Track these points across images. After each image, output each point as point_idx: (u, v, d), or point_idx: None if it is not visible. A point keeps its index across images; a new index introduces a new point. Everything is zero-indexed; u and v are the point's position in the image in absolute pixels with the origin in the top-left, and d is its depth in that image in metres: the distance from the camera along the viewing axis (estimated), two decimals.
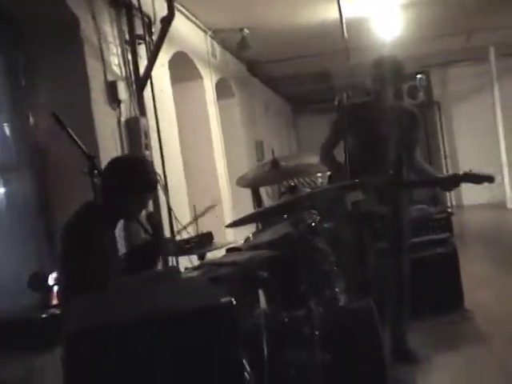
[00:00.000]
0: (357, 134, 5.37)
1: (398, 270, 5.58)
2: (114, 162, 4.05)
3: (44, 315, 4.21)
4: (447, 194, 17.73)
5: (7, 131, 4.94)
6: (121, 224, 5.23)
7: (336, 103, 5.31)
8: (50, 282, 4.43)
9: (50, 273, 4.46)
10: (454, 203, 17.79)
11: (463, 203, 18.00)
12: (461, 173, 5.34)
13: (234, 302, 2.70)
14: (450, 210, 7.51)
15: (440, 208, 8.00)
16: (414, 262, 6.43)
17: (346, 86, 5.89)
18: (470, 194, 17.93)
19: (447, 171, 17.72)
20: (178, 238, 5.59)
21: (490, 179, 5.36)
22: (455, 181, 5.50)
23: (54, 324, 4.10)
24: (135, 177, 3.94)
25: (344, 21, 7.19)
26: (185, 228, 4.68)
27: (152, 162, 6.31)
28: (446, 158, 18.02)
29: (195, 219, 4.70)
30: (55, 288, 4.38)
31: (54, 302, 4.37)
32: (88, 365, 2.60)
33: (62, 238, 3.86)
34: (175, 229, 6.29)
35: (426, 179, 5.75)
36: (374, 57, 5.61)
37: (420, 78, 13.69)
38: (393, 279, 5.53)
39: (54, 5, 5.21)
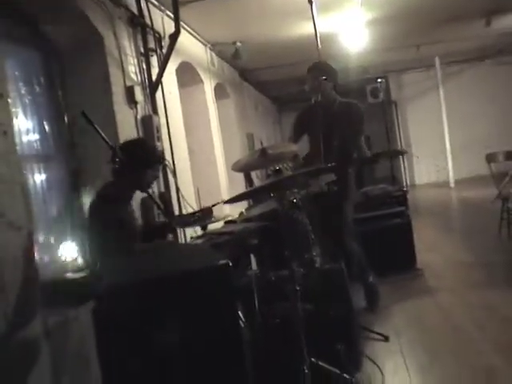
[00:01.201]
0: (309, 129, 5.39)
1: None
2: (127, 145, 4.03)
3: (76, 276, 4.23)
4: (403, 174, 17.77)
5: (47, 127, 4.92)
6: (138, 201, 5.24)
7: (312, 102, 5.32)
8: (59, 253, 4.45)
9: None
10: (408, 183, 17.82)
11: (416, 183, 18.05)
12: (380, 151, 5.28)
13: (231, 264, 2.71)
14: (405, 189, 7.53)
15: (397, 187, 8.02)
16: (377, 231, 6.50)
17: None
18: (421, 175, 18.03)
19: (403, 156, 17.77)
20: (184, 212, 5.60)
21: (402, 153, 5.39)
22: (376, 156, 5.44)
23: (87, 283, 4.13)
24: (146, 155, 3.97)
25: (318, 35, 7.14)
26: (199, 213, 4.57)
27: (163, 151, 6.32)
28: (401, 145, 18.01)
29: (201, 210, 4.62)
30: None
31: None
32: (112, 316, 2.61)
33: (89, 213, 3.88)
34: (182, 205, 6.31)
35: (358, 159, 5.59)
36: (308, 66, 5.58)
37: (380, 82, 13.71)
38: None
39: (84, 25, 5.21)
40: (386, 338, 4.84)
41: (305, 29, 9.15)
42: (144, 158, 3.94)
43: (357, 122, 5.48)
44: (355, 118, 5.47)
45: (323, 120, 5.27)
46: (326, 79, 5.37)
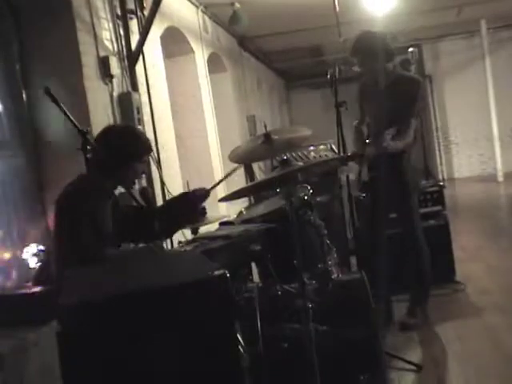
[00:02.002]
0: (366, 111, 5.44)
1: None
2: (107, 133, 4.01)
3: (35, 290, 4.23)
4: (439, 166, 17.77)
5: (0, 107, 4.92)
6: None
7: (328, 77, 5.32)
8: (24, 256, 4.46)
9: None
10: (445, 176, 17.82)
11: (455, 176, 18.03)
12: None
13: (228, 275, 2.70)
14: (441, 183, 7.51)
15: (432, 181, 8.01)
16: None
17: (337, 60, 5.87)
18: (461, 166, 18.00)
19: (439, 144, 17.77)
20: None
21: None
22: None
23: (50, 298, 4.11)
24: (131, 145, 3.94)
25: None
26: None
27: None
28: (437, 130, 18.01)
29: (223, 179, 4.64)
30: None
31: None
32: (84, 339, 2.60)
33: (56, 211, 3.84)
34: None
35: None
36: (350, 45, 5.57)
37: (412, 52, 13.70)
38: None
39: None
40: (419, 368, 4.82)
41: None
42: (131, 147, 3.92)
43: (404, 100, 5.46)
44: (402, 95, 5.46)
45: (373, 97, 5.36)
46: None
